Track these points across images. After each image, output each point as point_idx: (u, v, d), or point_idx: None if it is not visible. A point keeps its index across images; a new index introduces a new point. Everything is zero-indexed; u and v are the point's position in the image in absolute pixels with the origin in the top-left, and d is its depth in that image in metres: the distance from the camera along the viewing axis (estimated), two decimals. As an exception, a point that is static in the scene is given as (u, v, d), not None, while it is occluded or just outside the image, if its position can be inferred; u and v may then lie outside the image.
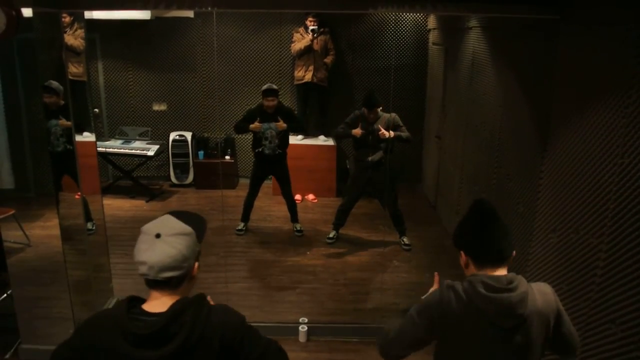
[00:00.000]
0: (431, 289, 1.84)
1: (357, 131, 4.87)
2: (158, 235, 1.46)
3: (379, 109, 4.88)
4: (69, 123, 3.80)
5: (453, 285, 1.68)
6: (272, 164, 5.39)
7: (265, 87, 5.17)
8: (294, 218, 5.68)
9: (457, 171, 5.38)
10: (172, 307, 1.45)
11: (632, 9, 2.47)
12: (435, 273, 1.92)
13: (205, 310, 1.47)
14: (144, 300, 1.53)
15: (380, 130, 4.77)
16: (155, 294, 1.51)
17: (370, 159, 4.94)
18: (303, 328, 3.79)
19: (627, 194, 2.47)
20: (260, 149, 5.27)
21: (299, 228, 5.69)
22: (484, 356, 1.65)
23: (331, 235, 5.41)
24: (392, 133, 4.81)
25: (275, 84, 6.96)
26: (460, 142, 5.28)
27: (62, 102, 3.85)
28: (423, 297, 1.77)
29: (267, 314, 4.08)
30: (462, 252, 1.74)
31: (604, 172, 2.67)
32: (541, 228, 3.41)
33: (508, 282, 1.61)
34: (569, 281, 3.00)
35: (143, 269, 1.46)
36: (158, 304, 1.49)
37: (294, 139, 6.77)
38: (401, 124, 4.96)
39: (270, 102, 5.13)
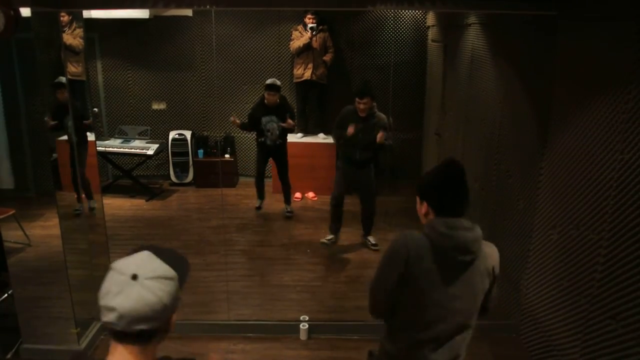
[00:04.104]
0: None
1: (350, 129, 4.71)
2: (135, 277, 1.20)
3: (372, 103, 4.68)
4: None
5: (412, 231, 1.87)
6: (273, 152, 5.84)
7: (269, 81, 5.53)
8: (287, 200, 6.10)
9: (457, 168, 5.37)
10: None
11: (630, 4, 2.47)
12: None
13: None
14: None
15: (380, 134, 4.63)
16: (119, 348, 1.24)
17: (358, 157, 4.84)
18: (304, 326, 3.79)
19: (627, 189, 2.47)
20: (262, 139, 5.70)
21: (289, 209, 6.10)
22: (440, 291, 1.81)
23: (328, 238, 5.21)
24: (382, 138, 4.66)
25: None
26: (460, 139, 5.28)
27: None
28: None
29: (268, 312, 4.08)
30: (424, 203, 1.88)
31: (604, 168, 2.67)
32: (541, 224, 3.41)
33: (466, 225, 1.81)
34: (569, 277, 3.01)
35: (110, 317, 1.18)
36: None
37: (294, 137, 6.78)
38: (387, 127, 4.81)
39: (272, 97, 5.47)
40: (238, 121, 5.70)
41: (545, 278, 3.33)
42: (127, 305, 1.17)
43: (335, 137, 4.98)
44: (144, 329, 1.21)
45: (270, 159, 6.06)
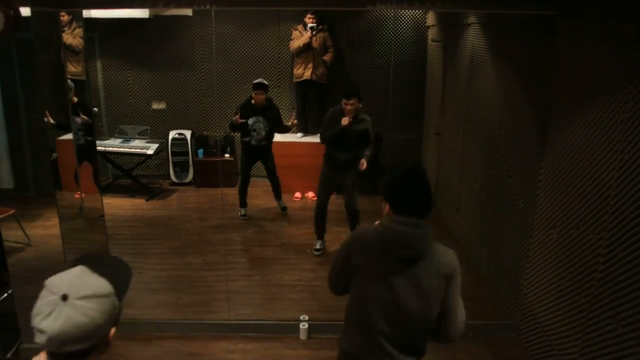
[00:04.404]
0: None
1: (345, 119, 4.60)
2: (65, 297, 1.13)
3: (359, 104, 4.63)
4: (86, 118, 3.94)
5: (367, 225, 1.98)
6: (257, 153, 5.76)
7: (256, 80, 5.48)
8: (279, 196, 6.10)
9: (457, 168, 5.38)
10: None
11: (630, 4, 2.47)
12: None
13: None
14: None
15: (362, 164, 4.69)
16: None
17: (341, 159, 4.79)
18: (304, 326, 3.80)
19: (627, 189, 2.48)
20: (247, 139, 5.64)
21: (283, 205, 6.15)
22: (383, 283, 1.88)
23: (318, 247, 5.17)
24: (364, 165, 4.72)
25: (275, 82, 6.99)
26: (460, 139, 5.28)
27: (76, 100, 3.94)
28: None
29: (268, 311, 4.08)
30: (387, 203, 1.95)
31: (604, 168, 2.67)
32: (541, 224, 3.41)
33: (416, 222, 1.86)
34: (569, 277, 3.01)
35: (41, 339, 1.13)
36: None
37: (294, 137, 6.78)
38: (371, 132, 4.77)
39: (259, 96, 5.44)
40: (241, 120, 5.53)
41: (545, 278, 3.33)
42: (56, 328, 1.12)
43: (322, 138, 4.87)
44: (76, 350, 1.15)
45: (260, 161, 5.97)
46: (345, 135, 4.68)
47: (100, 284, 1.19)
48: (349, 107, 4.58)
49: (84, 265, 1.22)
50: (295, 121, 5.68)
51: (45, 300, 1.15)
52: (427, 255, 1.87)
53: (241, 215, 5.98)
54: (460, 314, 1.96)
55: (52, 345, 1.13)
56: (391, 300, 1.88)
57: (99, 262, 1.24)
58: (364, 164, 4.74)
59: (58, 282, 1.17)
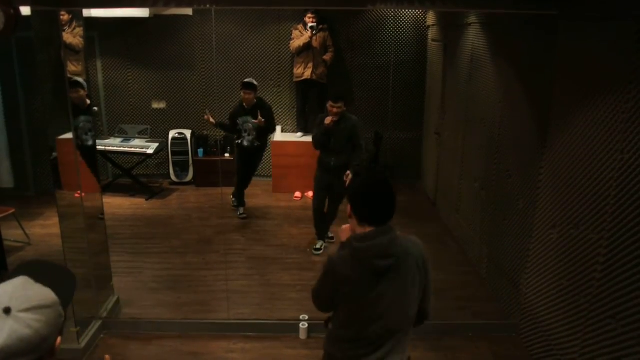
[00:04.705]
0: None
1: (328, 118, 4.61)
2: (7, 310, 1.10)
3: (344, 107, 4.64)
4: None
5: (337, 254, 1.96)
6: (250, 155, 5.77)
7: (245, 80, 5.51)
8: (241, 202, 6.04)
9: (457, 167, 5.38)
10: None
11: (630, 4, 2.47)
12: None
13: None
14: None
15: (347, 177, 4.64)
16: None
17: (332, 163, 4.79)
18: (304, 325, 3.80)
19: (627, 189, 2.48)
20: (239, 141, 5.67)
21: (242, 212, 6.02)
22: (369, 297, 1.88)
23: (318, 246, 5.19)
24: (349, 177, 4.63)
25: (275, 81, 7.00)
26: (460, 139, 5.28)
27: (89, 102, 3.95)
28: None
29: (268, 311, 4.08)
30: (350, 208, 1.96)
31: (604, 168, 2.67)
32: (541, 224, 3.41)
33: (383, 230, 1.87)
34: (569, 277, 3.01)
35: None
36: None
37: (294, 137, 6.78)
38: (359, 134, 4.74)
39: (247, 96, 5.45)
40: (213, 120, 5.53)
41: (545, 278, 3.33)
42: (0, 342, 1.08)
43: (314, 143, 4.87)
44: None
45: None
46: (332, 137, 4.70)
47: (44, 294, 1.16)
48: (335, 110, 4.61)
49: (27, 275, 1.18)
50: (263, 119, 5.45)
51: None
52: (401, 256, 1.89)
53: (240, 214, 6.00)
54: (431, 301, 2.05)
55: None
56: (381, 311, 1.90)
57: (42, 271, 1.21)
58: (348, 175, 4.66)
59: (0, 294, 1.13)
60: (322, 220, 5.16)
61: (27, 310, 1.11)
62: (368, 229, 1.88)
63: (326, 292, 2.02)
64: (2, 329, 1.08)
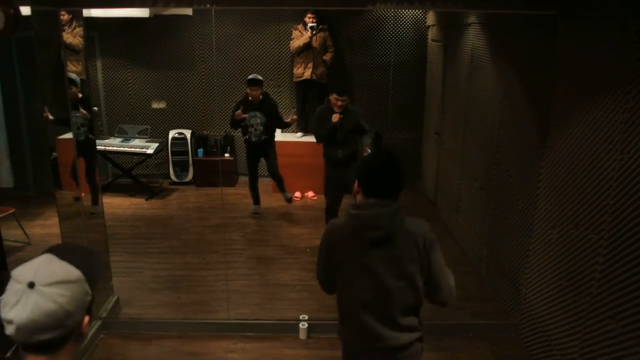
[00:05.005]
0: None
1: (336, 116, 4.71)
2: (32, 285, 1.10)
3: (347, 100, 4.75)
4: (86, 113, 3.91)
5: (337, 219, 2.07)
6: (259, 149, 5.74)
7: (250, 76, 5.49)
8: (282, 188, 6.02)
9: (457, 167, 5.38)
10: None
11: (630, 4, 2.47)
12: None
13: None
14: None
15: (365, 152, 4.60)
16: (29, 358, 1.17)
17: (340, 155, 4.84)
18: (303, 325, 3.80)
19: (627, 189, 2.48)
20: (247, 137, 5.66)
21: (288, 197, 6.08)
22: (366, 268, 1.93)
23: None
24: (367, 150, 4.61)
25: (275, 81, 6.99)
26: (460, 139, 5.28)
27: (80, 95, 3.94)
28: None
29: (268, 311, 4.08)
30: (357, 182, 2.02)
31: (604, 168, 2.67)
32: (541, 224, 3.41)
33: (380, 203, 1.90)
34: (569, 277, 3.01)
35: (9, 330, 1.10)
36: None
37: (294, 137, 6.78)
38: (362, 121, 4.84)
39: (254, 92, 5.46)
40: (244, 115, 5.54)
41: (545, 278, 3.33)
42: (24, 316, 1.08)
43: (317, 138, 4.95)
44: (47, 339, 1.12)
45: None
46: (338, 130, 4.77)
47: (68, 270, 1.15)
48: (340, 103, 4.69)
49: (52, 254, 1.18)
50: (295, 117, 5.71)
51: (11, 290, 1.11)
52: (399, 231, 1.91)
53: (254, 213, 6.01)
54: (448, 279, 2.02)
55: (21, 335, 1.10)
56: (374, 283, 1.93)
57: (67, 251, 1.21)
58: (366, 151, 4.64)
59: (24, 270, 1.13)
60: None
61: (51, 284, 1.11)
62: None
63: (321, 259, 2.08)
64: (27, 303, 1.09)
